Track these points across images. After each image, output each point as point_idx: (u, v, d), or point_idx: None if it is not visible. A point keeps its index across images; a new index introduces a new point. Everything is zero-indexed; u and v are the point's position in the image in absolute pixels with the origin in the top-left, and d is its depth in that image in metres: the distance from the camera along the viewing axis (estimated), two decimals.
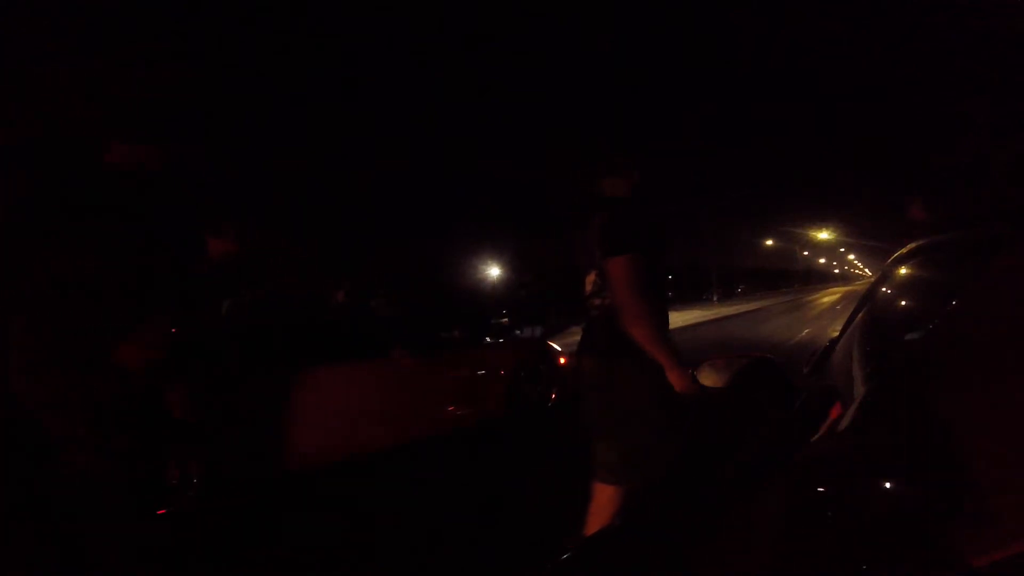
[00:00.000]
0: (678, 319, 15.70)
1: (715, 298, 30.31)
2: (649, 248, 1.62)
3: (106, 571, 1.43)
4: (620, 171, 1.78)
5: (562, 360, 4.80)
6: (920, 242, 1.29)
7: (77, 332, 1.41)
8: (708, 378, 1.33)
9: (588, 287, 1.75)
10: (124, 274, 1.47)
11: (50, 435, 1.40)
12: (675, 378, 1.57)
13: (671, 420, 1.67)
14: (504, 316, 17.18)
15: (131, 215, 1.53)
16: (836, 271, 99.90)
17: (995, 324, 0.74)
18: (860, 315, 1.39)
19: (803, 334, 10.40)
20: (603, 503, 1.71)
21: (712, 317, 18.55)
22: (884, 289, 1.40)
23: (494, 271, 22.05)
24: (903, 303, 1.36)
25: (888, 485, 0.64)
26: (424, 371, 3.80)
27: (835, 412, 0.94)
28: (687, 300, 31.49)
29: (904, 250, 1.34)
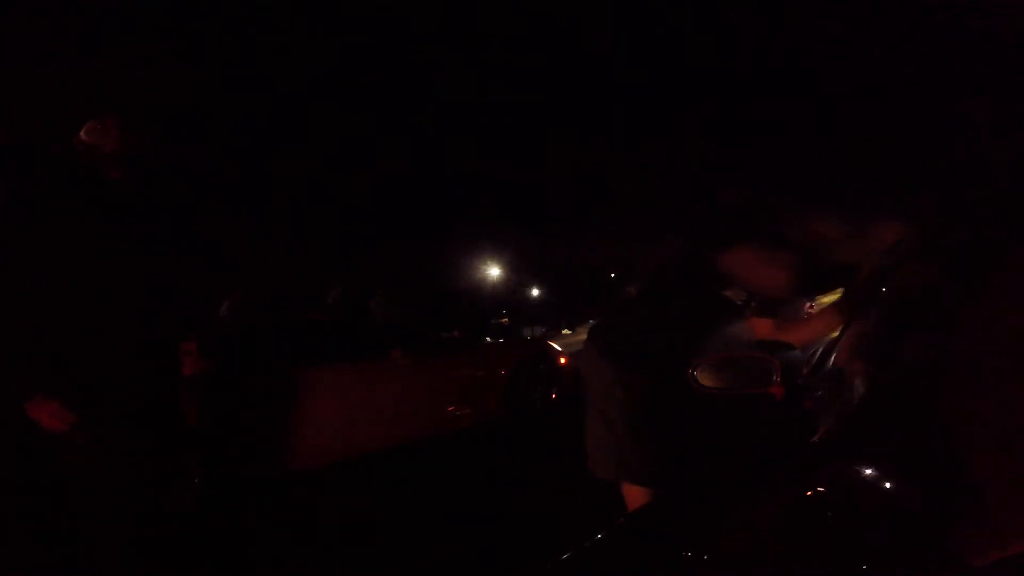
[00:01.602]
0: None
1: None
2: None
3: (106, 571, 1.43)
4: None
5: (562, 360, 4.80)
6: (920, 242, 1.29)
7: (78, 332, 1.41)
8: (708, 378, 1.32)
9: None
10: (124, 274, 1.47)
11: (50, 435, 1.40)
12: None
13: (653, 425, 1.67)
14: (504, 316, 17.18)
15: (131, 214, 1.53)
16: None
17: (995, 326, 0.74)
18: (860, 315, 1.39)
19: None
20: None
21: None
22: (884, 289, 1.40)
23: (494, 271, 22.05)
24: (903, 304, 1.35)
25: (888, 485, 0.64)
26: (424, 371, 3.80)
27: (835, 412, 0.94)
28: None
29: (904, 250, 1.34)
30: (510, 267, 21.85)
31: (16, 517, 1.45)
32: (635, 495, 1.71)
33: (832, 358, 1.35)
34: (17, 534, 1.45)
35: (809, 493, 0.68)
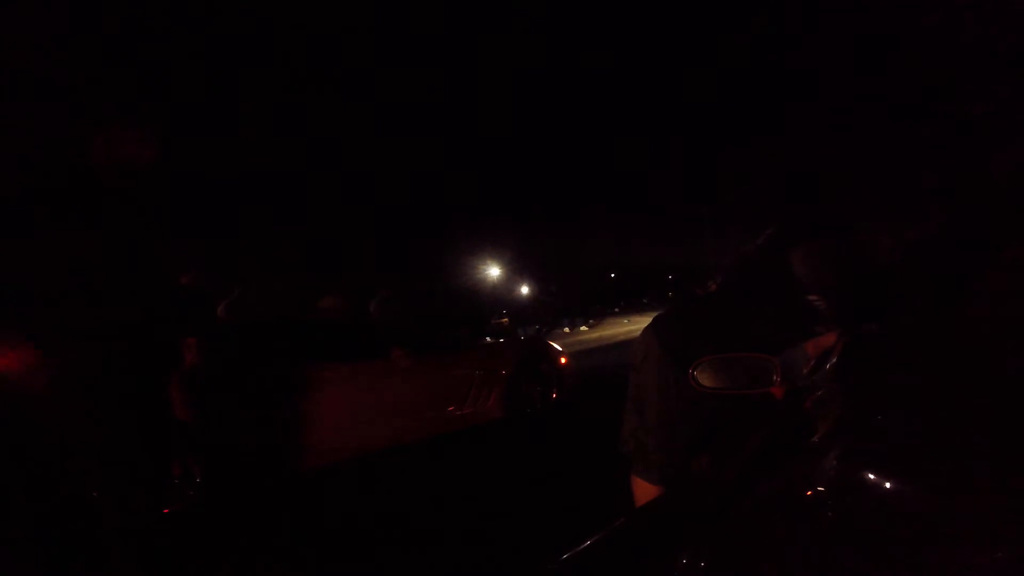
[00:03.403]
0: None
1: None
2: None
3: (106, 571, 1.43)
4: None
5: (562, 360, 4.80)
6: (919, 242, 1.29)
7: (78, 333, 1.41)
8: (708, 378, 1.33)
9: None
10: (124, 274, 1.47)
11: (50, 435, 1.40)
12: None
13: (688, 432, 1.65)
14: (504, 316, 17.19)
15: (131, 214, 1.53)
16: None
17: (995, 325, 0.74)
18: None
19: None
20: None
21: None
22: (883, 290, 1.40)
23: (494, 271, 22.08)
24: (903, 303, 1.36)
25: (888, 485, 0.64)
26: (424, 371, 3.80)
27: (835, 412, 0.94)
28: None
29: (903, 249, 1.34)
30: (510, 267, 21.91)
31: (15, 517, 1.45)
32: (643, 489, 1.70)
33: (832, 358, 1.35)
34: (17, 534, 1.45)
35: (809, 493, 0.68)
